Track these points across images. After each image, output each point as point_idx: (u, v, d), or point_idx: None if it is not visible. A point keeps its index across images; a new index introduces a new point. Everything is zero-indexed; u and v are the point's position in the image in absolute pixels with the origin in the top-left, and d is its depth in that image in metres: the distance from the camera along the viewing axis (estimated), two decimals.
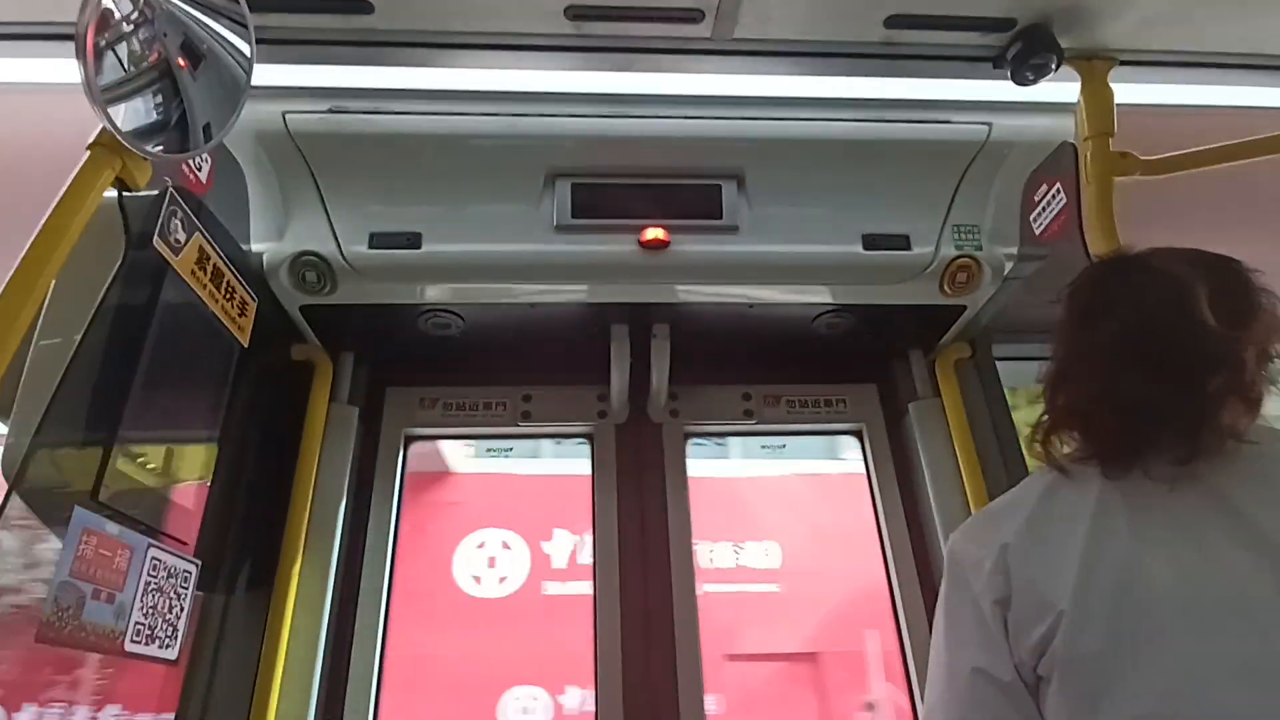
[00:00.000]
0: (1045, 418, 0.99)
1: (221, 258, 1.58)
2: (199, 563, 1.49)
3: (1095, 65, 1.54)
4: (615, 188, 1.84)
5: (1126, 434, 0.89)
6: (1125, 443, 0.89)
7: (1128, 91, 1.60)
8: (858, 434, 2.32)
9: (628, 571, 2.07)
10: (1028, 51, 1.47)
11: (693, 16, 1.41)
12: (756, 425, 2.31)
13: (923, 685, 1.84)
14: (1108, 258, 1.08)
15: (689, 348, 2.08)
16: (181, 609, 1.43)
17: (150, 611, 1.34)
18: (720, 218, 1.84)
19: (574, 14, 1.40)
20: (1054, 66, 1.49)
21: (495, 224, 1.81)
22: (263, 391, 1.88)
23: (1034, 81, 1.51)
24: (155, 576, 1.37)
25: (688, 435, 2.27)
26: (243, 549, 1.79)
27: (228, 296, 1.62)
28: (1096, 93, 1.53)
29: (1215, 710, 0.74)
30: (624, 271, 1.84)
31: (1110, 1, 1.43)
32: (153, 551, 1.35)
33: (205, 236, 1.52)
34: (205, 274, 1.54)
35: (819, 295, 1.96)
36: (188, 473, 1.59)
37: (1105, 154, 1.50)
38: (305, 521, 1.88)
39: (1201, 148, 1.52)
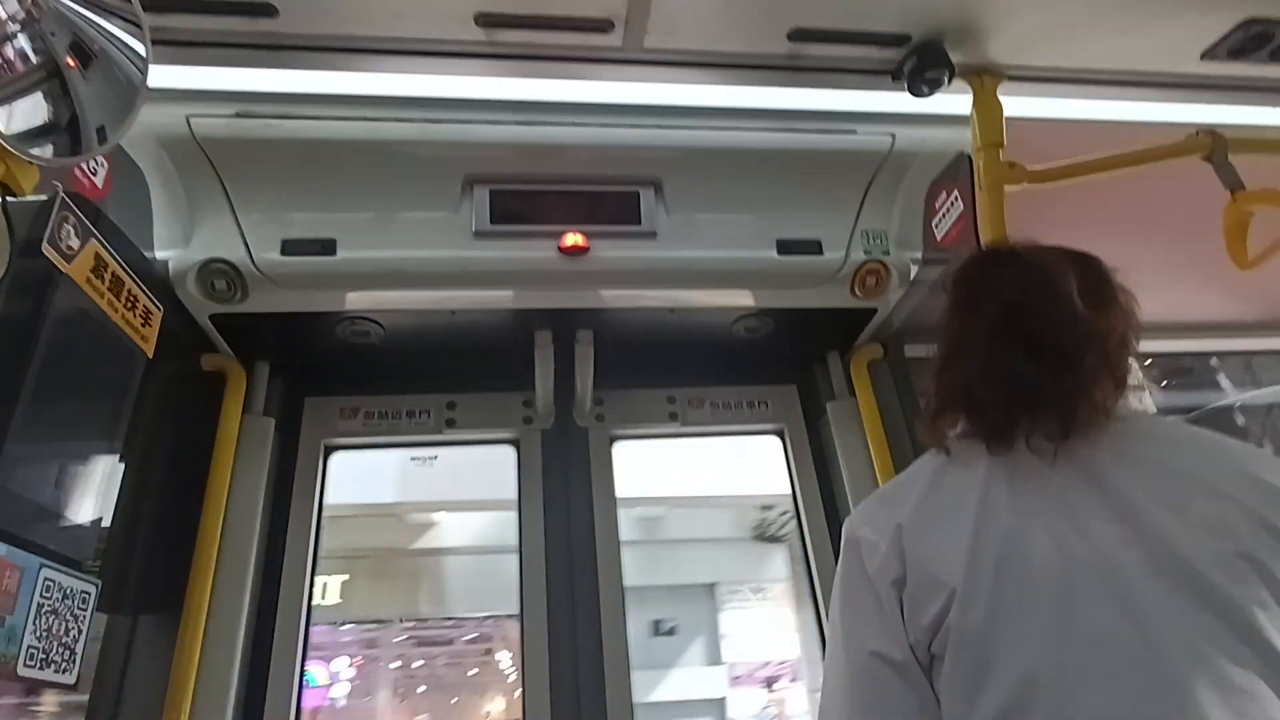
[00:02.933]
0: (933, 400, 1.03)
1: (121, 265, 1.52)
2: (99, 583, 1.43)
3: (985, 80, 1.62)
4: (534, 194, 1.85)
5: (1009, 410, 0.93)
6: (1007, 419, 0.92)
7: (1018, 105, 1.70)
8: (779, 433, 2.38)
9: (554, 574, 2.07)
10: (922, 66, 1.55)
11: (602, 26, 1.43)
12: (682, 428, 2.34)
13: None
14: (984, 251, 1.15)
15: (613, 352, 2.10)
16: (80, 631, 1.38)
17: (45, 634, 1.28)
18: (639, 224, 1.87)
19: (484, 21, 1.41)
20: (947, 80, 1.57)
21: (413, 230, 1.80)
22: (171, 403, 1.81)
23: (929, 94, 1.59)
24: (49, 598, 1.31)
25: (613, 439, 2.29)
26: (150, 568, 1.72)
27: (129, 305, 1.56)
28: (987, 106, 1.62)
29: (1078, 675, 0.78)
30: (545, 278, 1.85)
31: (997, 20, 1.51)
32: (46, 572, 1.30)
33: (102, 243, 1.47)
34: (103, 282, 1.48)
35: (737, 299, 2.01)
36: (87, 489, 1.52)
37: (996, 164, 1.59)
38: (218, 538, 1.82)
39: (1083, 159, 1.62)
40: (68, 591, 1.36)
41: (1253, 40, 1.58)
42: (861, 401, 2.17)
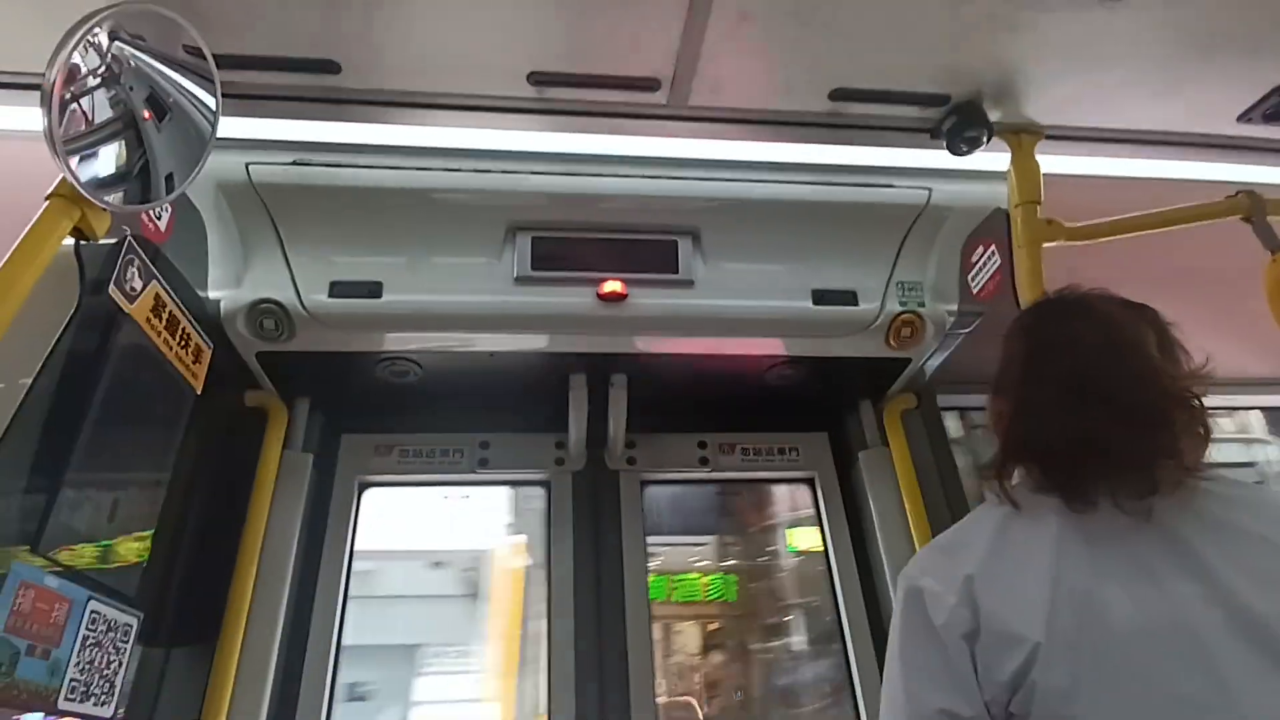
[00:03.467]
0: (999, 453, 1.00)
1: (178, 305, 1.58)
2: (140, 615, 1.46)
3: (1023, 138, 1.65)
4: (574, 241, 1.89)
5: (1091, 468, 0.90)
6: (1089, 477, 0.90)
7: (1055, 163, 1.72)
8: (810, 481, 2.37)
9: (582, 618, 2.07)
10: (961, 125, 1.58)
11: (649, 85, 1.48)
12: (712, 474, 2.35)
13: None
14: (1050, 298, 1.12)
15: (646, 397, 2.12)
16: (120, 664, 1.40)
17: (87, 667, 1.30)
18: (676, 272, 1.90)
19: (536, 79, 1.46)
20: (985, 139, 1.60)
21: (456, 275, 1.85)
22: (214, 438, 1.86)
23: (968, 152, 1.62)
24: (94, 630, 1.33)
25: (644, 483, 2.30)
26: (186, 600, 1.74)
27: (182, 344, 1.61)
28: (1024, 164, 1.64)
29: None
30: (582, 323, 1.89)
31: (1034, 81, 1.54)
32: (93, 605, 1.33)
33: (162, 284, 1.52)
34: (160, 321, 1.53)
35: (771, 347, 2.03)
36: (133, 522, 1.56)
37: (1033, 221, 1.60)
38: (254, 572, 1.85)
39: (1121, 217, 1.63)
40: (112, 624, 1.39)
41: None
42: (895, 451, 2.16)
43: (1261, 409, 2.99)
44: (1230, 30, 1.41)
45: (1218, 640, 0.79)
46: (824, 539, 2.28)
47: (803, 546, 2.65)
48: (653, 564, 2.28)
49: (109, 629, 1.38)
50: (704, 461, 2.34)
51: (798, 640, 2.71)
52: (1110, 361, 0.95)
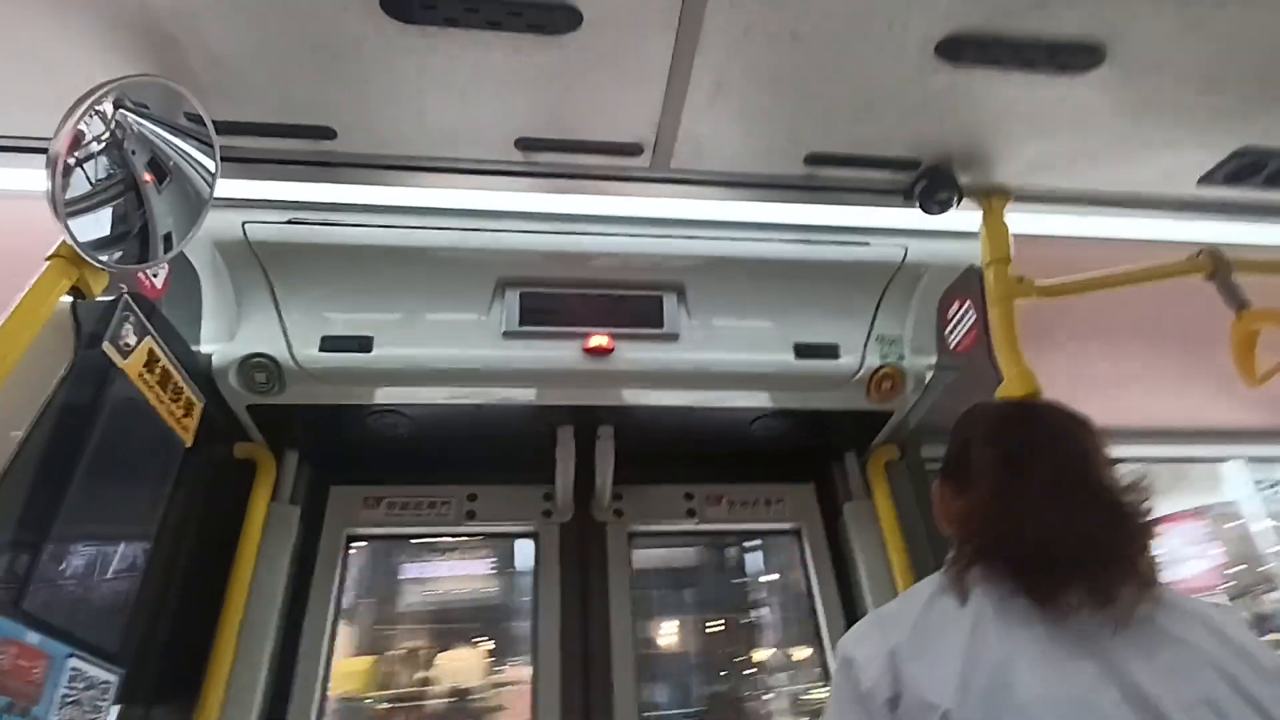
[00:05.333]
0: (967, 547, 1.06)
1: (171, 359, 1.61)
2: (121, 672, 1.45)
3: (993, 200, 1.71)
4: (562, 297, 1.94)
5: (1052, 571, 0.96)
6: (1051, 578, 0.96)
7: (1025, 222, 1.78)
8: (796, 533, 2.38)
9: (569, 670, 2.05)
10: (932, 188, 1.64)
11: (632, 150, 1.55)
12: (699, 525, 2.35)
13: None
14: (1008, 408, 1.21)
15: (633, 449, 2.14)
16: None
17: None
18: (661, 326, 1.95)
19: (523, 145, 1.53)
20: (956, 201, 1.66)
21: (446, 330, 1.89)
22: (202, 490, 1.87)
23: (939, 213, 1.67)
24: (74, 688, 1.33)
25: (632, 535, 2.30)
26: (169, 656, 1.73)
27: (174, 397, 1.64)
28: (995, 224, 1.70)
29: None
30: (569, 377, 1.92)
31: (1002, 147, 1.61)
32: (73, 661, 1.32)
33: (156, 339, 1.56)
34: (153, 376, 1.56)
35: (755, 400, 2.06)
36: (118, 576, 1.56)
37: (1005, 278, 1.66)
38: (238, 627, 1.84)
39: (1089, 275, 1.69)
40: (91, 681, 1.38)
41: (1246, 168, 1.67)
42: (879, 502, 2.18)
43: (1231, 459, 3.02)
44: (1187, 99, 1.48)
45: (1110, 716, 0.85)
46: (810, 591, 2.27)
47: None
48: None
49: (88, 686, 1.37)
50: (691, 513, 2.35)
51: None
52: (1092, 464, 1.03)
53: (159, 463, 1.64)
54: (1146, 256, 1.71)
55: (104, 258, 1.31)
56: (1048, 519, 0.99)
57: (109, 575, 1.52)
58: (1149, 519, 1.00)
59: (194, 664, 1.78)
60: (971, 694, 0.89)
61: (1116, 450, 1.08)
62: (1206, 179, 1.71)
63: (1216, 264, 1.65)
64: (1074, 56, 1.34)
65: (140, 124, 1.37)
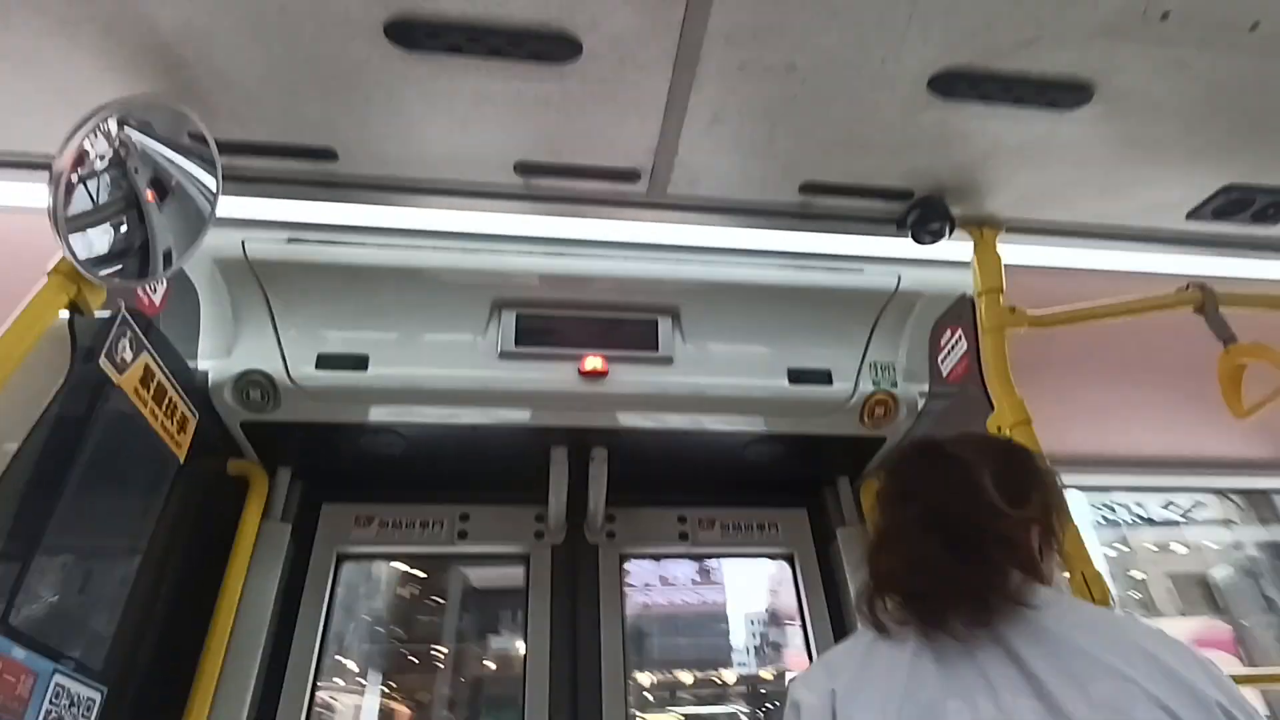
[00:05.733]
0: (869, 583, 1.11)
1: (166, 375, 1.61)
2: (104, 690, 1.44)
3: (985, 231, 1.74)
4: (558, 319, 1.95)
5: (934, 600, 1.02)
6: (935, 606, 1.02)
7: (1017, 253, 1.81)
8: (789, 558, 2.37)
9: (558, 692, 2.03)
10: (925, 219, 1.67)
11: (630, 176, 1.57)
12: (692, 549, 2.35)
13: None
14: (916, 443, 1.26)
15: (626, 471, 2.14)
16: None
17: None
18: (656, 350, 1.96)
19: (522, 169, 1.55)
20: (948, 232, 1.68)
21: (442, 350, 1.90)
22: (193, 506, 1.86)
23: (931, 243, 1.70)
24: (57, 704, 1.32)
25: (624, 558, 2.29)
26: (154, 673, 1.71)
27: (169, 413, 1.64)
28: (987, 255, 1.72)
29: None
30: (564, 398, 1.93)
31: (993, 180, 1.64)
32: (57, 678, 1.31)
33: (152, 355, 1.56)
34: (148, 391, 1.57)
35: (749, 424, 2.07)
36: (106, 591, 1.55)
37: (996, 308, 1.68)
38: (225, 645, 1.82)
39: (1080, 306, 1.71)
40: (75, 698, 1.37)
41: (1234, 204, 1.70)
42: (871, 528, 2.17)
43: (1221, 491, 3.01)
44: (1174, 136, 1.51)
45: None
46: (802, 617, 2.27)
47: None
48: None
49: (71, 703, 1.36)
50: (684, 536, 2.34)
51: None
52: (948, 505, 1.07)
53: (151, 478, 1.64)
54: (1138, 288, 1.73)
55: (104, 275, 1.32)
56: (910, 556, 1.06)
57: (97, 590, 1.51)
58: (995, 547, 1.02)
59: (180, 681, 1.76)
60: None
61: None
62: (1195, 214, 1.74)
63: (1205, 297, 1.67)
64: (1063, 93, 1.37)
65: (144, 142, 1.39)
